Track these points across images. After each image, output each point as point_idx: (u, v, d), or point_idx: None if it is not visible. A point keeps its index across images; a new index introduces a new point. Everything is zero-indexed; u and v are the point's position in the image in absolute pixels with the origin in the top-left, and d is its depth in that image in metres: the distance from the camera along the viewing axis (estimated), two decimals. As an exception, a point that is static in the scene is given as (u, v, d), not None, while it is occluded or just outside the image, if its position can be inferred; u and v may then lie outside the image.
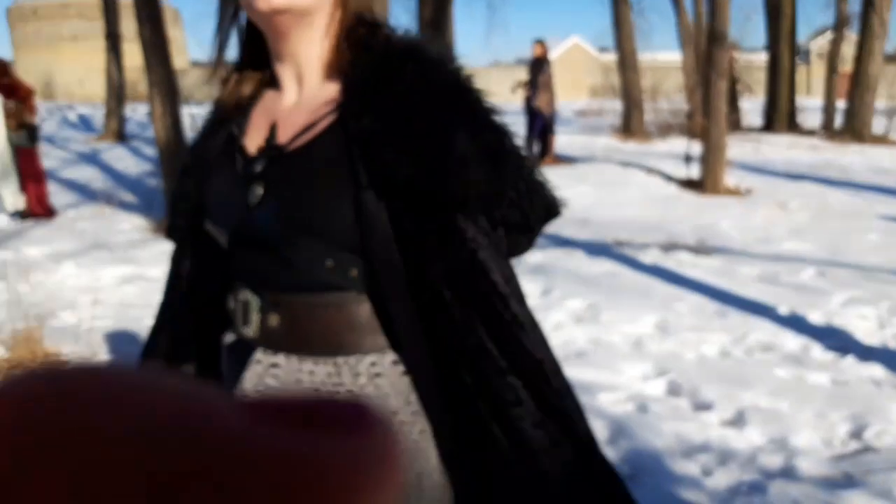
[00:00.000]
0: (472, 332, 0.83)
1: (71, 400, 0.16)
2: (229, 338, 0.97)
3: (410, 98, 0.83)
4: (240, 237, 0.89)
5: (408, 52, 0.86)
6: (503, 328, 0.84)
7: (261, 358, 0.91)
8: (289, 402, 0.19)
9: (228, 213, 0.90)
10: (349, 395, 0.19)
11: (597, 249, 5.32)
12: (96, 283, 4.48)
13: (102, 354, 3.32)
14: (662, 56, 27.38)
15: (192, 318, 1.01)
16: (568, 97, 33.94)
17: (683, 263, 4.92)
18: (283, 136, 0.89)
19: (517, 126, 11.27)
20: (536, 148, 10.41)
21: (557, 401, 0.86)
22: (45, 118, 18.49)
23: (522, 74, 10.76)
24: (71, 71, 39.23)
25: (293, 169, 0.86)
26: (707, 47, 8.55)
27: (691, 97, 12.62)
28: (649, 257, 5.09)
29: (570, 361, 3.27)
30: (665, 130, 13.50)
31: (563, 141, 12.10)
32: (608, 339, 3.58)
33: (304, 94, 0.91)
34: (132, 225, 6.28)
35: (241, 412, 0.17)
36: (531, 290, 4.35)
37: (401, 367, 0.88)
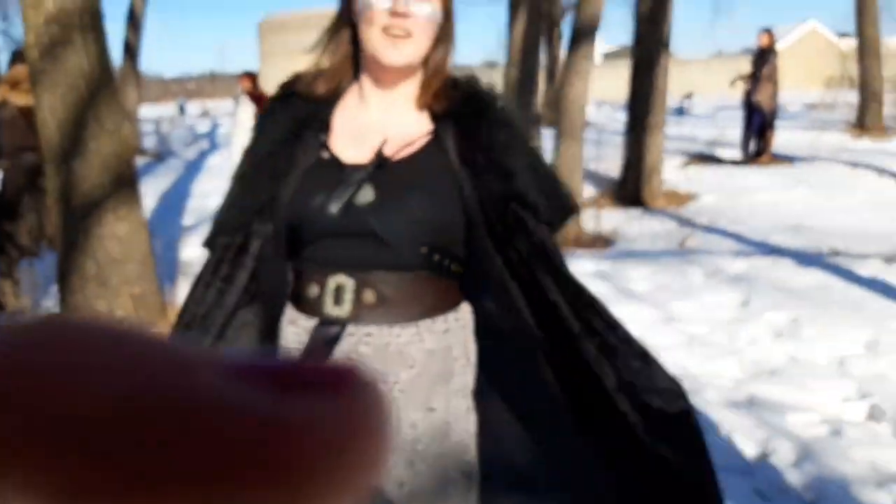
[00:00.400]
0: (548, 289, 1.09)
1: (42, 350, 0.16)
2: (305, 322, 1.13)
3: (491, 131, 1.12)
4: (343, 229, 1.09)
5: (479, 95, 1.16)
6: (569, 284, 1.12)
7: (353, 331, 1.10)
8: (268, 364, 0.19)
9: (327, 210, 1.09)
10: (337, 358, 0.18)
11: (807, 259, 4.95)
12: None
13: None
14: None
15: (262, 310, 1.17)
16: (800, 88, 31.25)
17: (908, 277, 4.43)
18: (385, 147, 1.11)
19: (735, 121, 10.78)
20: (753, 145, 9.78)
21: (609, 325, 1.13)
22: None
23: (747, 65, 10.15)
24: (308, 79, 43.18)
25: (402, 176, 1.10)
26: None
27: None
28: (868, 269, 4.64)
29: (760, 379, 3.13)
30: (909, 125, 12.05)
31: (785, 138, 11.25)
32: (808, 357, 3.35)
33: (392, 117, 1.14)
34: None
35: (221, 372, 0.17)
36: (728, 300, 4.18)
37: (461, 323, 1.15)
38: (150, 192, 8.73)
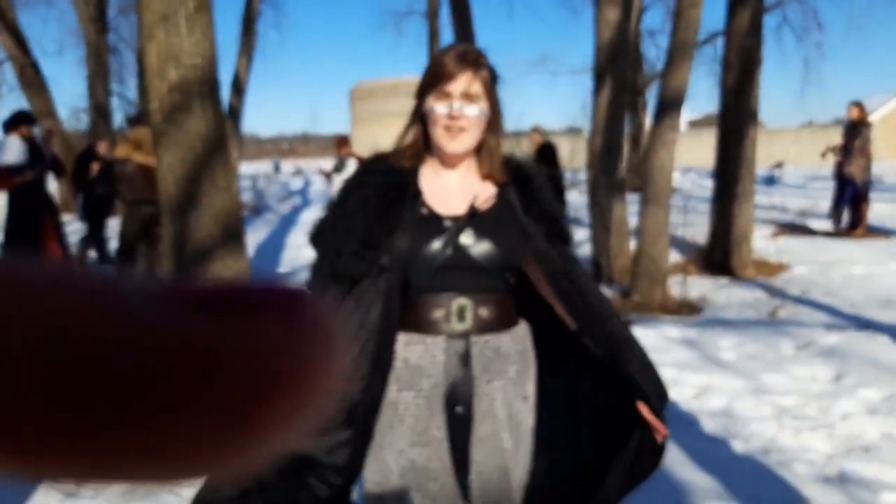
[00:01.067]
0: (583, 294, 1.52)
1: None
2: (431, 339, 1.48)
3: (539, 190, 1.57)
4: (456, 263, 1.46)
5: (524, 167, 1.60)
6: (592, 293, 1.55)
7: (476, 340, 1.48)
8: (212, 289, 0.18)
9: (436, 251, 1.46)
10: (278, 281, 0.20)
11: (905, 335, 4.77)
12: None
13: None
14: None
15: (392, 332, 1.46)
16: (897, 160, 30.11)
17: None
18: (473, 204, 1.50)
19: (827, 192, 10.52)
20: (846, 218, 9.51)
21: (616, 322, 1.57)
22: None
23: (838, 136, 9.97)
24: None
25: (488, 223, 1.49)
26: None
27: None
28: (969, 348, 4.44)
29: (853, 455, 3.04)
30: None
31: (881, 210, 10.87)
32: (905, 436, 3.24)
33: (465, 184, 1.54)
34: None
35: (158, 301, 0.17)
36: (821, 374, 4.08)
37: (526, 329, 1.57)
38: (249, 243, 9.18)
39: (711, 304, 5.85)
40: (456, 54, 1.46)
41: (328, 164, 8.75)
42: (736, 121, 7.14)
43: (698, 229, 7.90)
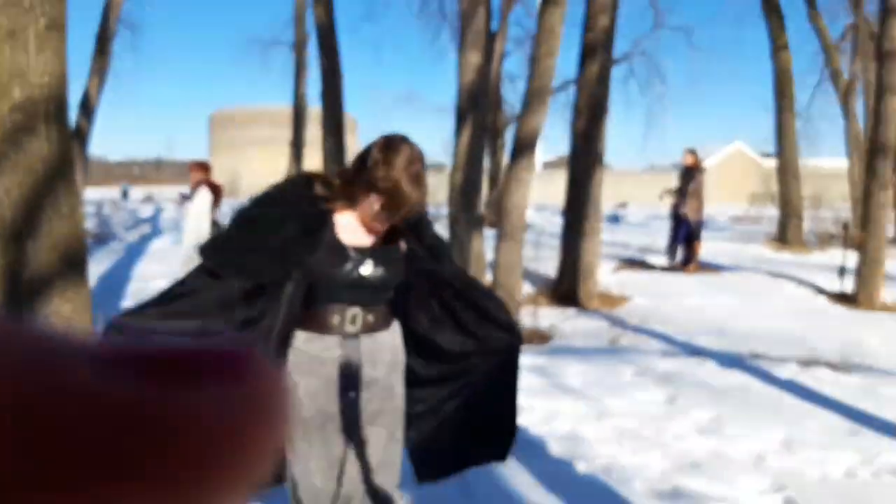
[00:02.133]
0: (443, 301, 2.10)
1: None
2: (328, 338, 1.92)
3: (420, 232, 2.03)
4: (356, 283, 1.89)
5: (414, 221, 1.99)
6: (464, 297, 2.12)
7: (363, 338, 1.94)
8: (154, 351, 0.18)
9: (347, 273, 1.87)
10: (226, 341, 0.20)
11: (730, 361, 5.25)
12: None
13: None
14: (829, 162, 26.18)
15: (286, 324, 1.88)
16: (727, 202, 33.01)
17: (821, 380, 4.75)
18: (371, 242, 1.93)
19: (662, 231, 11.30)
20: (680, 255, 10.33)
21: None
22: (227, 214, 20.37)
23: (675, 180, 10.84)
24: (256, 171, 43.43)
25: (385, 254, 1.94)
26: (869, 157, 8.30)
27: (856, 207, 12.06)
28: (786, 372, 4.95)
29: (684, 471, 3.30)
30: (825, 241, 12.91)
31: (711, 248, 11.90)
32: (729, 453, 3.55)
33: (365, 220, 1.91)
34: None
35: (98, 362, 0.16)
36: (655, 397, 4.39)
37: (397, 328, 2.05)
38: (92, 273, 8.62)
39: (560, 332, 6.16)
40: (415, 175, 1.83)
41: (186, 189, 8.40)
42: (584, 163, 7.61)
43: (549, 263, 8.30)
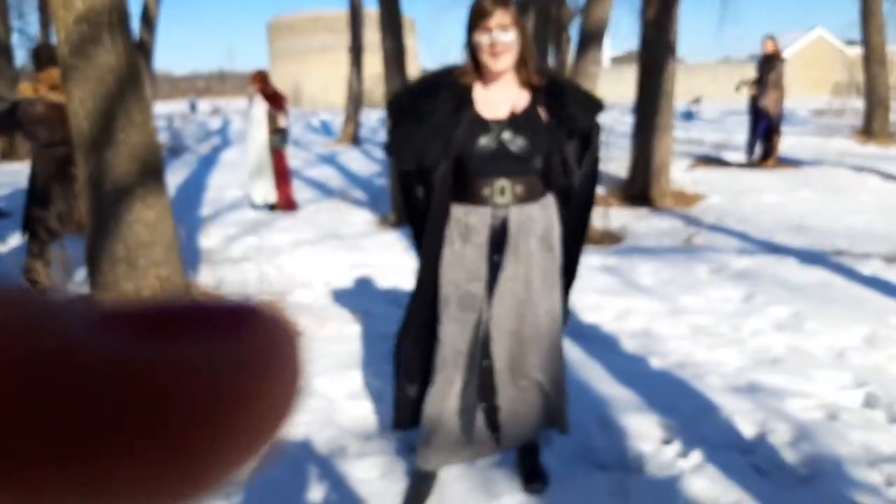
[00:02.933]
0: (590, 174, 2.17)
1: None
2: (481, 209, 2.04)
3: (571, 98, 2.07)
4: (499, 154, 1.99)
5: (556, 80, 2.11)
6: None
7: (513, 209, 2.03)
8: (155, 307, 0.18)
9: (487, 144, 1.99)
10: (232, 296, 0.20)
11: (810, 257, 5.07)
12: (328, 267, 5.14)
13: (331, 326, 3.86)
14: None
15: (445, 207, 2.06)
16: (808, 95, 31.27)
17: (907, 276, 4.55)
18: (512, 110, 2.02)
19: (742, 126, 10.95)
20: (759, 150, 9.90)
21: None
22: (292, 123, 20.61)
23: (752, 71, 10.28)
24: (317, 80, 43.33)
25: (522, 123, 2.01)
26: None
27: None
28: (869, 268, 4.76)
29: (762, 367, 3.26)
30: (915, 132, 12.13)
31: (792, 142, 11.37)
32: (808, 349, 3.48)
33: (506, 94, 2.03)
34: (361, 219, 7.01)
35: (92, 322, 0.16)
36: (733, 294, 4.31)
37: (551, 201, 2.12)
38: (168, 184, 8.89)
39: (632, 233, 6.06)
40: None
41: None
42: (656, 54, 7.26)
43: (620, 163, 8.10)
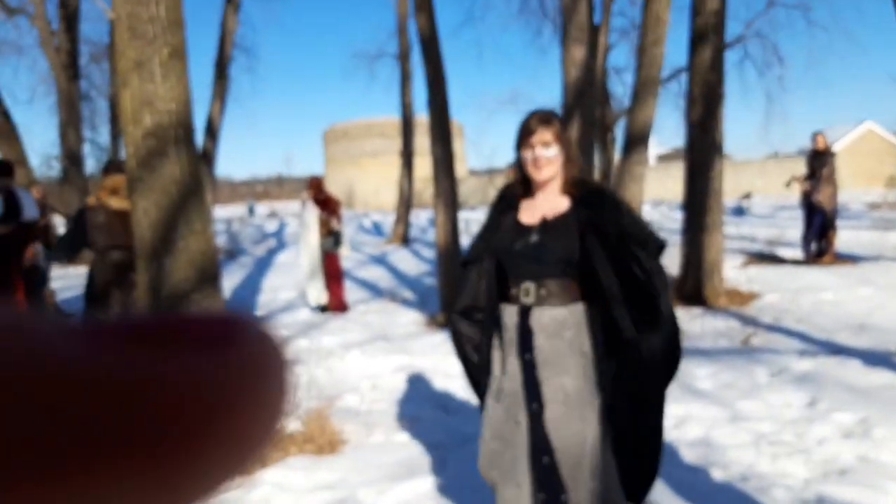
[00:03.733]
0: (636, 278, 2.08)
1: None
2: (511, 308, 2.15)
3: (606, 207, 2.13)
4: (525, 257, 2.12)
5: (596, 189, 2.21)
6: (645, 280, 2.07)
7: (536, 311, 2.11)
8: (143, 322, 0.17)
9: (516, 245, 2.14)
10: (222, 311, 0.20)
11: (875, 359, 4.86)
12: (377, 370, 5.14)
13: (379, 432, 3.82)
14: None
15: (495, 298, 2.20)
16: (861, 189, 30.83)
17: (982, 378, 4.31)
18: (545, 215, 2.16)
19: (794, 221, 10.72)
20: (815, 246, 9.70)
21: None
22: (345, 224, 21.04)
23: (801, 166, 10.22)
24: (369, 183, 44.65)
25: (553, 228, 2.13)
26: None
27: None
28: (940, 369, 4.53)
29: (831, 479, 3.08)
30: (978, 224, 11.76)
31: (847, 238, 11.13)
32: (878, 458, 3.29)
33: (547, 202, 2.19)
34: (410, 319, 7.04)
35: (78, 338, 0.16)
36: (795, 399, 4.13)
37: (581, 308, 2.12)
38: (224, 286, 9.11)
39: (687, 333, 5.92)
40: (535, 117, 2.14)
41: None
42: (702, 153, 7.30)
43: (670, 261, 8.01)
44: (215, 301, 4.10)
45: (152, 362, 0.16)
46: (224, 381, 0.17)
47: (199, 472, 0.16)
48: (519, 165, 2.21)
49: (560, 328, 2.10)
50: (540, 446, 2.06)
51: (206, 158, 14.65)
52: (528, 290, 2.13)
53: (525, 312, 2.12)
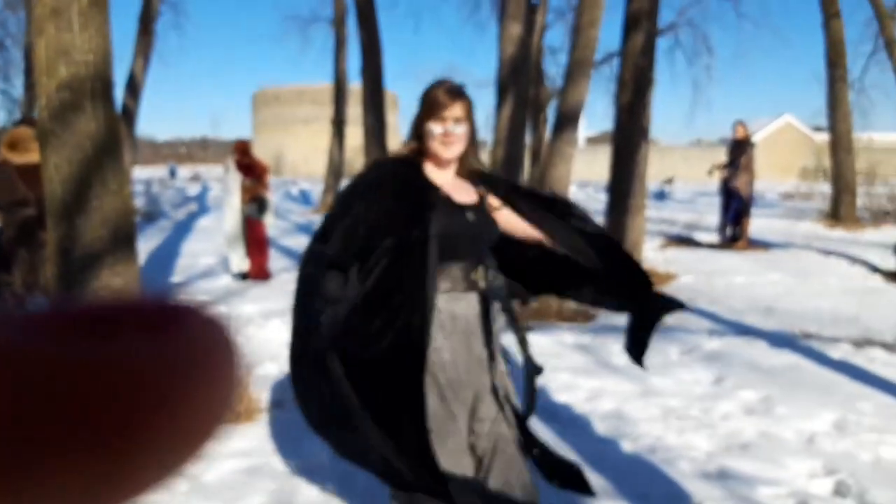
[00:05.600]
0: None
1: None
2: (467, 296, 2.00)
3: (505, 185, 2.16)
4: (470, 238, 1.99)
5: (490, 172, 2.21)
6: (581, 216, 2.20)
7: (491, 296, 2.02)
8: (87, 310, 0.17)
9: (463, 224, 1.98)
10: (165, 296, 0.19)
11: (780, 340, 5.11)
12: (299, 340, 5.07)
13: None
14: (883, 136, 25.27)
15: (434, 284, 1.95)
16: (776, 179, 32.17)
17: (875, 361, 4.59)
18: (467, 197, 2.05)
19: (713, 207, 11.08)
20: (730, 231, 10.09)
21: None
22: (272, 192, 20.60)
23: (723, 154, 10.58)
24: (299, 150, 43.84)
25: (482, 209, 2.06)
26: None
27: (914, 182, 11.63)
28: (838, 352, 4.80)
29: (733, 453, 3.23)
30: (879, 218, 12.49)
31: (761, 225, 11.62)
32: (778, 434, 3.46)
33: (452, 179, 2.07)
34: (334, 290, 6.96)
35: (20, 326, 0.16)
36: (704, 376, 4.31)
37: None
38: (141, 250, 8.81)
39: (604, 311, 6.07)
40: (446, 89, 1.98)
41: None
42: (629, 137, 7.45)
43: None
44: (129, 264, 3.95)
45: (91, 348, 0.16)
46: (166, 368, 0.17)
47: (150, 457, 0.16)
48: (417, 138, 2.03)
49: (498, 315, 2.05)
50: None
51: (127, 116, 14.06)
52: (482, 274, 2.01)
53: (485, 299, 2.01)
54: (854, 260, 8.67)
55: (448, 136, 1.97)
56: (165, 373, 0.17)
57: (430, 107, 1.99)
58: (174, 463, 0.17)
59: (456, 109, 1.98)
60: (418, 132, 2.02)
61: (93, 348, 0.16)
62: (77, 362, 0.16)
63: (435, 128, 1.98)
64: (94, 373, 0.16)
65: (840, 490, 2.89)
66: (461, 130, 1.99)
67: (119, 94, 5.83)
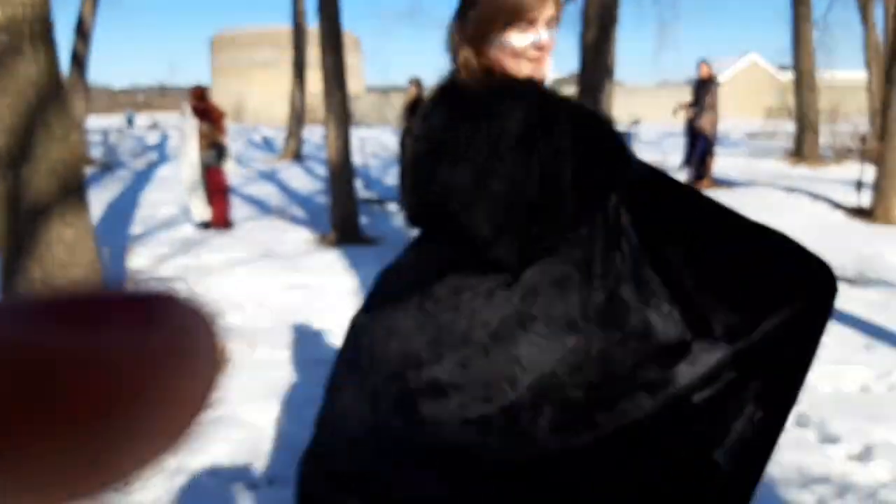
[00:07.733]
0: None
1: None
2: None
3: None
4: None
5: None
6: None
7: None
8: (70, 298, 0.17)
9: None
10: (153, 287, 0.18)
11: (743, 277, 5.17)
12: (263, 289, 5.00)
13: (262, 350, 3.74)
14: (846, 75, 25.45)
15: None
16: (741, 118, 32.36)
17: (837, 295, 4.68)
18: None
19: (679, 147, 11.10)
20: (694, 170, 10.13)
21: None
22: (234, 139, 20.25)
23: (689, 95, 10.54)
24: (259, 96, 42.83)
25: None
26: (888, 65, 7.98)
27: (874, 120, 11.76)
28: (799, 287, 4.87)
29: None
30: (842, 155, 12.63)
31: (726, 163, 11.69)
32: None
33: None
34: (299, 237, 6.88)
35: (7, 315, 0.16)
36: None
37: None
38: (99, 201, 8.59)
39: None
40: None
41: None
42: (594, 76, 7.36)
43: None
44: (80, 214, 3.82)
45: (81, 336, 0.16)
46: (146, 359, 0.17)
47: (119, 449, 0.16)
48: (475, 59, 1.36)
49: None
50: None
51: (78, 62, 13.54)
52: None
53: None
54: (817, 197, 8.78)
55: (541, 49, 1.36)
56: (146, 364, 0.17)
57: (508, 7, 1.34)
58: (153, 453, 0.17)
59: (549, 7, 1.36)
60: (480, 49, 1.37)
61: (72, 338, 0.16)
62: (55, 351, 0.15)
63: (519, 38, 1.35)
64: (73, 362, 0.15)
65: (800, 421, 2.95)
66: (553, 37, 1.39)
67: (68, 38, 5.54)
